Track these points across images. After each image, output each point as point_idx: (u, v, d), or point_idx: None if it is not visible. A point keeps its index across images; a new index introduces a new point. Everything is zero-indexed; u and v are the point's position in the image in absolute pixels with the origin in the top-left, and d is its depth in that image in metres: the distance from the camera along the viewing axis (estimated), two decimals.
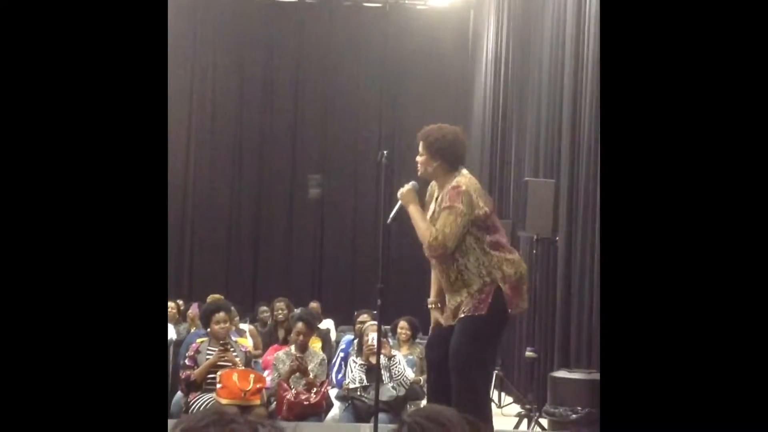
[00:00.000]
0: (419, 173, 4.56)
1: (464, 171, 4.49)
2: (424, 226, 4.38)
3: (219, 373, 6.28)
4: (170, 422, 6.09)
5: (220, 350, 6.36)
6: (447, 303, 4.53)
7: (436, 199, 4.52)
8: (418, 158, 4.51)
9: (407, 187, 4.50)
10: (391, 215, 4.59)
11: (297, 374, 6.65)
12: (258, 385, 6.37)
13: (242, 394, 6.21)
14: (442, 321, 4.57)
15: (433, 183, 4.58)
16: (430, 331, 4.81)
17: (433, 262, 4.55)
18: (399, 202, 4.53)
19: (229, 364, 6.37)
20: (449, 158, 4.46)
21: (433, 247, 4.32)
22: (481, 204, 4.38)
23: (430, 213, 4.51)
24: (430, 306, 4.69)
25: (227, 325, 6.65)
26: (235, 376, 6.27)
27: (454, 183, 4.38)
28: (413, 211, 4.44)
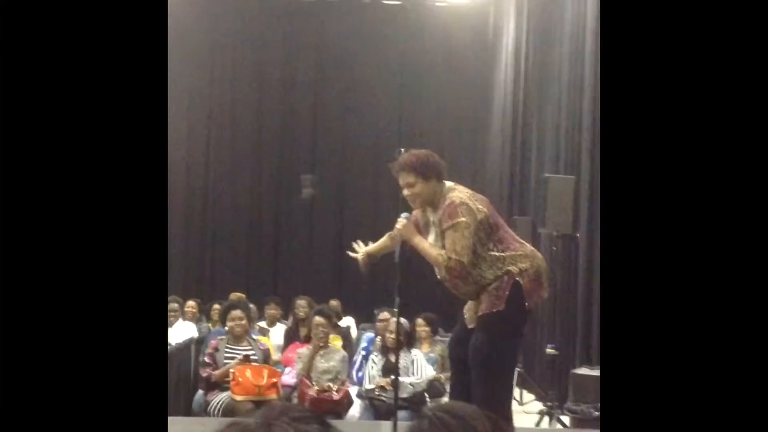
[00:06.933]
0: (415, 204, 4.49)
1: (449, 184, 4.46)
2: (434, 253, 4.34)
3: (232, 370, 6.29)
4: (192, 419, 6.17)
5: (239, 360, 6.37)
6: (470, 308, 4.50)
7: (434, 222, 4.46)
8: (410, 190, 4.42)
9: (402, 222, 4.47)
10: (397, 254, 4.56)
11: (320, 370, 6.66)
12: (273, 380, 6.38)
13: (257, 390, 6.22)
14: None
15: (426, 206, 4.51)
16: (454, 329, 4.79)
17: (444, 280, 4.49)
18: (400, 241, 4.50)
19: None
20: (439, 174, 4.43)
21: (451, 268, 4.28)
22: (480, 207, 4.36)
23: (432, 238, 4.45)
24: None
25: (243, 323, 6.66)
26: (248, 372, 6.28)
27: (447, 201, 4.35)
28: (418, 242, 4.41)
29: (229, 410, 6.12)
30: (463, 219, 4.26)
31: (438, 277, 4.53)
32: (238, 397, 6.20)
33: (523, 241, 4.58)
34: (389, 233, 4.75)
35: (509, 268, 4.33)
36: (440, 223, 4.36)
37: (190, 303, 9.76)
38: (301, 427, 1.21)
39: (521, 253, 4.39)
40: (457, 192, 4.39)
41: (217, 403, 6.30)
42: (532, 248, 4.56)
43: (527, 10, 11.03)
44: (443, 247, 4.32)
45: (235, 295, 9.82)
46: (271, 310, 9.40)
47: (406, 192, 4.45)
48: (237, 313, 6.67)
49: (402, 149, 4.71)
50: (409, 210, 4.56)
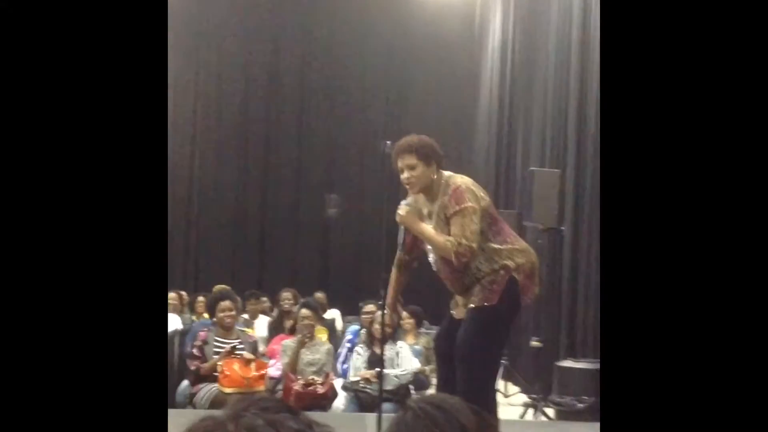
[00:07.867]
0: (413, 189, 4.35)
1: (448, 173, 4.37)
2: (441, 240, 4.23)
3: (220, 362, 6.28)
4: (174, 411, 6.15)
5: (226, 351, 6.36)
6: (458, 302, 4.47)
7: (432, 212, 4.36)
8: (411, 173, 4.29)
9: (405, 208, 4.33)
10: (400, 242, 4.49)
11: (305, 362, 6.66)
12: (261, 372, 6.38)
13: (245, 382, 6.22)
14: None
15: (420, 197, 4.40)
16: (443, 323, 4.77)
17: (440, 271, 4.46)
18: (401, 227, 4.41)
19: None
20: (440, 161, 4.34)
21: (460, 254, 4.18)
22: (483, 195, 4.32)
23: (431, 226, 4.35)
24: (389, 306, 4.65)
25: (232, 313, 6.65)
26: (236, 365, 6.28)
27: (452, 186, 4.27)
28: (422, 230, 4.30)
29: (217, 402, 6.11)
30: (470, 204, 4.20)
31: (434, 268, 4.49)
32: (227, 390, 6.19)
33: (519, 237, 4.55)
34: (394, 267, 4.64)
35: (506, 262, 4.27)
36: (444, 209, 4.26)
37: (173, 294, 9.76)
38: (270, 416, 1.21)
39: (518, 248, 4.34)
40: (461, 178, 4.34)
41: (204, 395, 6.28)
42: (527, 245, 4.54)
43: (514, 4, 11.04)
44: (448, 234, 4.24)
45: (219, 288, 9.79)
46: (251, 305, 9.42)
47: (405, 175, 4.32)
48: (226, 304, 6.65)
49: (389, 142, 4.64)
50: (404, 198, 4.45)
